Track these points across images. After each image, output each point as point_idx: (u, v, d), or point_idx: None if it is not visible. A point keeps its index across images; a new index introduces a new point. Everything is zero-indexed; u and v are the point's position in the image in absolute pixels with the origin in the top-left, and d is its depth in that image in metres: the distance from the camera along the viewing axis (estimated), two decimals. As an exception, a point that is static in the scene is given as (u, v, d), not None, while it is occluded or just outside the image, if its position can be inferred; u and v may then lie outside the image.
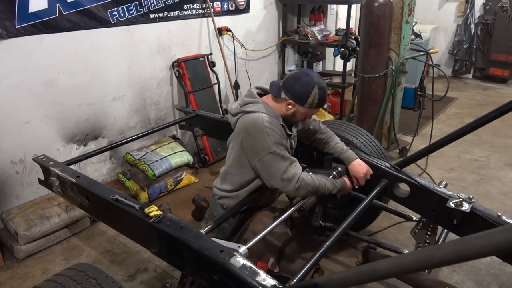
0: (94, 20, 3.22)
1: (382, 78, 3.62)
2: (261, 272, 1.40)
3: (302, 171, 1.96)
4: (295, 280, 1.45)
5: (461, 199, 1.84)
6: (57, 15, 2.97)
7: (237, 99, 4.57)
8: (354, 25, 6.07)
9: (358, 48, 4.03)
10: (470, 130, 1.88)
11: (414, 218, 2.25)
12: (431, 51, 3.85)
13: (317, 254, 1.61)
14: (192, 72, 4.00)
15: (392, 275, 1.04)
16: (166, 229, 1.65)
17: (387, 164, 2.22)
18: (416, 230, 2.15)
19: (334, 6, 5.92)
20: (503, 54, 6.43)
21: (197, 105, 4.00)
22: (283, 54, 5.36)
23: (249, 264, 1.43)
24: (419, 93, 3.87)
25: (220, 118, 3.10)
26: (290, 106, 1.93)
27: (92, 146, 3.44)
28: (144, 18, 3.58)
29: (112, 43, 3.41)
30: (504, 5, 6.35)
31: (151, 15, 3.64)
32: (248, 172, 2.00)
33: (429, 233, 2.10)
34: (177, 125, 3.66)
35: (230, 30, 4.38)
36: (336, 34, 5.02)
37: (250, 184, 2.03)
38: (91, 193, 2.03)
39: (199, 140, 4.00)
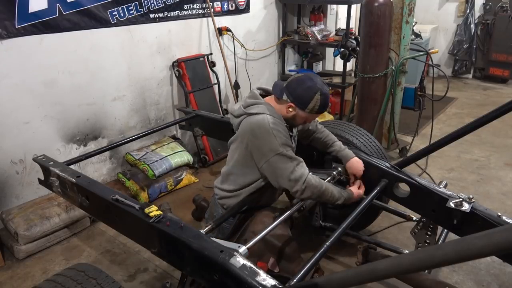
0: (94, 20, 3.22)
1: (382, 78, 3.62)
2: (261, 272, 1.40)
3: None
4: (295, 280, 1.45)
5: (461, 199, 1.84)
6: (57, 15, 2.97)
7: (237, 99, 4.57)
8: (354, 25, 6.07)
9: (358, 48, 4.03)
10: (470, 130, 1.88)
11: (414, 218, 2.25)
12: (431, 51, 3.85)
13: (317, 254, 1.61)
14: (192, 72, 4.00)
15: (392, 275, 1.04)
16: (166, 229, 1.65)
17: (387, 164, 2.22)
18: (416, 230, 2.15)
19: (334, 6, 5.92)
20: (503, 54, 6.43)
21: (197, 105, 4.00)
22: (283, 54, 5.36)
23: (249, 264, 1.43)
24: (419, 93, 3.87)
25: (220, 118, 3.11)
26: (290, 109, 1.93)
27: (92, 146, 3.44)
28: (144, 18, 3.58)
29: (112, 43, 3.41)
30: (504, 5, 6.36)
31: (151, 15, 3.64)
32: (252, 173, 2.00)
33: (429, 233, 2.10)
34: (177, 125, 3.66)
35: (230, 30, 4.38)
36: (336, 34, 5.02)
37: (252, 185, 2.03)
38: (91, 193, 2.03)
39: (199, 140, 4.00)
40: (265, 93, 2.09)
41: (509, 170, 3.84)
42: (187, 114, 3.29)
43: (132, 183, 3.40)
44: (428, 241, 2.11)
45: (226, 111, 4.45)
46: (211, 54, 4.29)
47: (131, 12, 3.47)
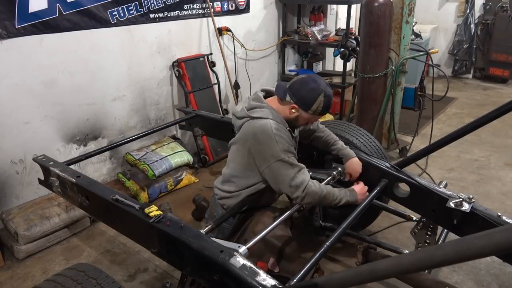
0: (94, 20, 3.22)
1: (382, 78, 3.62)
2: (261, 272, 1.40)
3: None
4: (295, 280, 1.45)
5: (461, 199, 1.84)
6: (57, 15, 2.97)
7: (237, 99, 4.57)
8: (354, 25, 6.07)
9: (358, 48, 4.03)
10: (470, 130, 1.89)
11: (414, 218, 2.25)
12: (431, 51, 3.85)
13: (317, 254, 1.62)
14: (192, 72, 4.00)
15: (392, 275, 1.04)
16: (166, 229, 1.65)
17: (387, 164, 2.22)
18: (416, 230, 2.15)
19: (334, 6, 5.92)
20: (503, 54, 6.43)
21: (197, 105, 4.00)
22: (283, 54, 5.36)
23: (249, 264, 1.43)
24: (419, 93, 3.87)
25: (220, 118, 3.11)
26: (293, 110, 1.93)
27: (92, 146, 3.44)
28: (144, 18, 3.58)
29: (112, 43, 3.41)
30: (504, 5, 6.35)
31: (151, 15, 3.64)
32: (254, 176, 1.99)
33: (429, 233, 2.10)
34: (177, 125, 3.67)
35: (230, 30, 4.38)
36: (336, 34, 5.02)
37: (253, 187, 2.03)
38: (91, 193, 2.03)
39: (199, 140, 4.00)
40: (268, 94, 2.09)
41: (509, 170, 3.84)
42: (187, 114, 3.29)
43: (132, 183, 3.40)
44: (428, 241, 2.11)
45: (226, 111, 4.45)
46: (211, 54, 4.29)
47: (131, 12, 3.47)
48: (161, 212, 1.72)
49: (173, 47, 3.94)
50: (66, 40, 3.08)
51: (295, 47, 5.61)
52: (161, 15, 3.72)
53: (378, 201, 2.38)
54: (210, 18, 4.18)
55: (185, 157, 3.72)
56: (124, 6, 3.40)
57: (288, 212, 1.92)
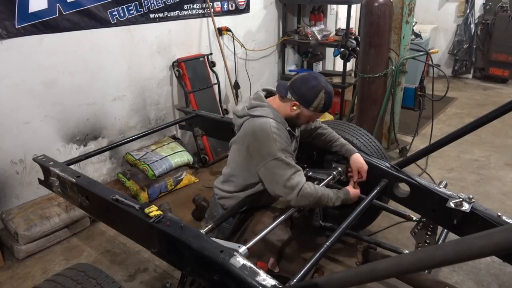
0: (94, 20, 3.22)
1: (382, 78, 3.62)
2: (261, 272, 1.40)
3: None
4: (295, 280, 1.45)
5: (461, 199, 1.84)
6: (57, 15, 2.97)
7: (237, 99, 4.57)
8: (354, 25, 6.07)
9: (358, 48, 4.03)
10: (470, 130, 1.89)
11: (414, 218, 2.25)
12: (431, 51, 3.85)
13: (317, 254, 1.61)
14: (192, 72, 4.00)
15: (392, 275, 1.04)
16: (166, 229, 1.65)
17: (387, 164, 2.22)
18: (416, 230, 2.15)
19: (334, 6, 5.92)
20: (503, 54, 6.43)
21: (197, 105, 4.00)
22: (283, 54, 5.36)
23: (249, 264, 1.43)
24: (419, 93, 3.87)
25: (220, 118, 3.11)
26: (295, 108, 1.93)
27: (92, 146, 3.44)
28: (144, 18, 3.58)
29: (112, 43, 3.41)
30: (504, 5, 6.35)
31: (151, 15, 3.64)
32: (253, 177, 1.99)
33: (429, 233, 2.10)
34: (177, 125, 3.67)
35: (230, 30, 4.38)
36: (336, 34, 5.02)
37: (253, 188, 2.03)
38: (91, 193, 2.03)
39: (199, 140, 4.00)
40: (269, 94, 2.09)
41: (509, 170, 3.84)
42: (187, 114, 3.29)
43: (132, 183, 3.40)
44: (428, 241, 2.11)
45: (226, 111, 4.45)
46: (211, 54, 4.29)
47: (131, 12, 3.47)
48: (161, 212, 1.72)
49: (173, 47, 3.94)
50: (66, 40, 3.08)
51: (295, 47, 5.61)
52: (161, 15, 3.72)
53: (378, 201, 2.38)
54: (210, 18, 4.18)
55: (185, 157, 3.72)
56: (124, 6, 3.40)
57: (288, 212, 1.92)
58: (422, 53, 3.70)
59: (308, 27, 5.02)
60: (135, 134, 3.10)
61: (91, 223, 3.14)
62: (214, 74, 4.28)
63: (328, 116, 4.92)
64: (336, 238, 1.73)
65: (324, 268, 2.53)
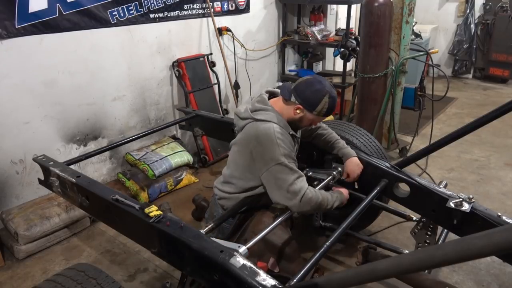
0: (94, 20, 3.22)
1: (382, 78, 3.62)
2: (261, 272, 1.40)
3: (302, 170, 1.95)
4: (295, 280, 1.45)
5: (461, 199, 1.84)
6: (57, 15, 2.97)
7: (237, 99, 4.57)
8: (354, 25, 6.07)
9: (358, 48, 4.03)
10: (470, 130, 1.89)
11: (414, 218, 2.25)
12: (431, 51, 3.85)
13: (317, 254, 1.62)
14: (192, 72, 4.00)
15: (392, 275, 1.04)
16: (166, 229, 1.65)
17: (387, 164, 2.22)
18: (416, 230, 2.15)
19: (334, 6, 5.92)
20: (503, 54, 6.43)
21: (197, 105, 4.00)
22: (283, 54, 5.36)
23: (249, 264, 1.43)
24: (419, 93, 3.87)
25: (220, 118, 3.11)
26: (298, 111, 1.93)
27: (92, 146, 3.44)
28: (144, 18, 3.58)
29: (112, 43, 3.41)
30: (504, 5, 6.35)
31: (151, 15, 3.64)
32: (254, 179, 1.98)
33: (429, 233, 2.10)
34: (177, 125, 3.67)
35: (230, 30, 4.38)
36: (336, 34, 5.02)
37: (254, 190, 2.02)
38: (91, 193, 2.03)
39: (199, 140, 4.00)
40: (272, 95, 2.08)
41: (509, 170, 3.84)
42: (187, 114, 3.29)
43: (132, 183, 3.40)
44: (428, 241, 2.11)
45: (226, 111, 4.45)
46: (211, 54, 4.29)
47: (131, 12, 3.47)
48: (161, 212, 1.72)
49: (173, 47, 3.94)
50: (66, 40, 3.08)
51: (295, 47, 5.61)
52: (161, 15, 3.72)
53: (378, 201, 2.38)
54: (210, 18, 4.18)
55: (185, 157, 3.72)
56: (124, 6, 3.40)
57: (288, 212, 1.92)
58: (422, 53, 3.70)
59: (308, 27, 5.02)
60: (135, 134, 3.10)
61: (91, 223, 3.14)
62: (214, 74, 4.28)
63: (328, 116, 4.92)
64: (336, 238, 1.73)
65: (324, 268, 2.53)
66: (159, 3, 3.66)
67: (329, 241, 1.69)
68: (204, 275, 1.57)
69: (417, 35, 5.59)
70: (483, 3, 6.61)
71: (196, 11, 4.05)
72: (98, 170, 3.57)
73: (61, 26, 3.02)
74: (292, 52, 5.61)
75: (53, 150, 3.16)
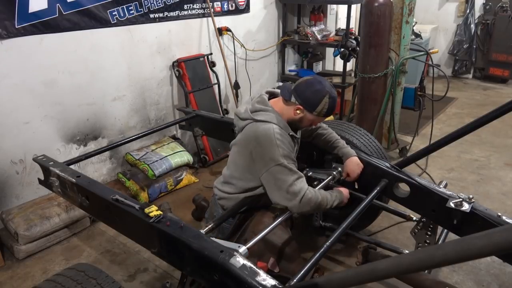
0: (94, 20, 3.22)
1: (382, 78, 3.62)
2: (261, 272, 1.40)
3: (302, 171, 1.95)
4: (295, 280, 1.45)
5: (461, 199, 1.84)
6: (57, 15, 2.97)
7: (237, 99, 4.57)
8: (354, 25, 6.07)
9: (358, 48, 4.03)
10: (470, 130, 1.89)
11: (414, 218, 2.25)
12: (431, 51, 3.85)
13: (317, 254, 1.62)
14: (192, 72, 4.00)
15: (392, 275, 1.04)
16: (166, 229, 1.65)
17: (387, 164, 2.22)
18: (416, 230, 2.15)
19: (334, 6, 5.92)
20: (503, 54, 6.43)
21: (197, 105, 4.00)
22: (283, 54, 5.36)
23: (249, 264, 1.43)
24: (419, 93, 3.87)
25: (220, 118, 3.11)
26: (298, 111, 1.93)
27: (92, 146, 3.44)
28: (144, 18, 3.58)
29: (112, 43, 3.41)
30: (504, 5, 6.35)
31: (151, 15, 3.64)
32: (254, 180, 1.98)
33: (429, 233, 2.10)
34: (177, 125, 3.67)
35: (230, 30, 4.38)
36: (336, 34, 5.02)
37: (254, 191, 2.02)
38: (91, 193, 2.03)
39: (199, 140, 4.00)
40: (272, 96, 2.08)
41: (509, 170, 3.84)
42: (187, 114, 3.29)
43: (132, 183, 3.40)
44: (428, 241, 2.11)
45: (226, 111, 4.45)
46: (211, 54, 4.29)
47: (131, 12, 3.47)
48: (161, 212, 1.72)
49: (173, 47, 3.94)
50: (66, 40, 3.08)
51: (295, 47, 5.61)
52: (161, 15, 3.72)
53: (378, 201, 2.38)
54: (210, 18, 4.18)
55: (185, 157, 3.72)
56: (124, 6, 3.40)
57: (288, 212, 1.92)
58: (422, 53, 3.70)
59: (308, 27, 5.02)
60: (135, 134, 3.10)
61: (91, 223, 3.14)
62: (214, 74, 4.28)
63: (328, 117, 4.92)
64: (336, 238, 1.73)
65: (324, 268, 2.53)
66: (159, 3, 3.66)
67: (329, 241, 1.69)
68: (204, 275, 1.57)
69: (417, 35, 5.59)
70: (483, 3, 6.61)
71: (196, 11, 4.05)
72: (98, 170, 3.57)
73: (61, 26, 3.02)
74: (292, 52, 5.61)
75: (53, 150, 3.16)
